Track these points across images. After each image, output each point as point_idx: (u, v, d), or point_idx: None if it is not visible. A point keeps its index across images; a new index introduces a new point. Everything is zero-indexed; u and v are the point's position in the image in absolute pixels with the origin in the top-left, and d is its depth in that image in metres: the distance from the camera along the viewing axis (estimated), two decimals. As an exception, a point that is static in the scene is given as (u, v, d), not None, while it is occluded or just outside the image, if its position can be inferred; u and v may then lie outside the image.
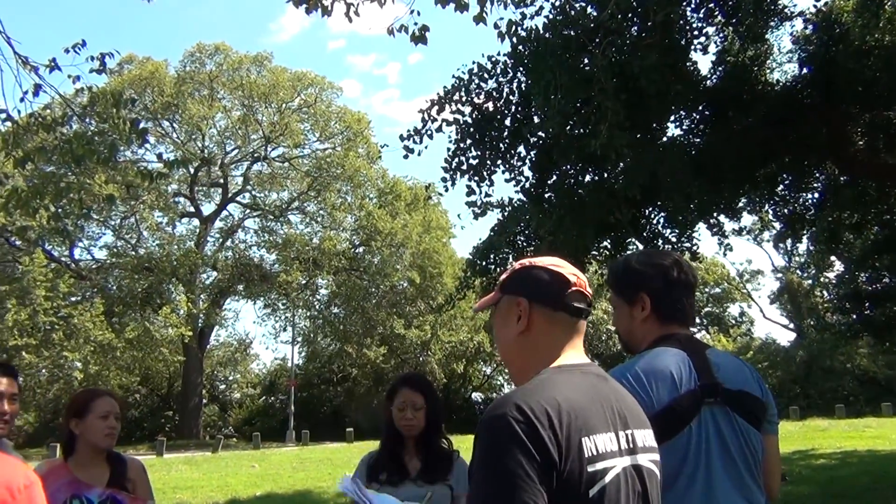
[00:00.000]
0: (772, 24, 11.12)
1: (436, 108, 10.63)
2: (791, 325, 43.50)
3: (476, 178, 10.89)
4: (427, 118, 10.67)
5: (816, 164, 12.46)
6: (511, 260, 11.32)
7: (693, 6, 10.12)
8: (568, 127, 9.41)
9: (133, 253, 34.21)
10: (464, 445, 3.07)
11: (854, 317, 19.44)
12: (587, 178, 10.82)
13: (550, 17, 9.86)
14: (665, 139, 11.26)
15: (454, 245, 43.01)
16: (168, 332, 31.97)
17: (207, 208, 38.38)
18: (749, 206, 13.74)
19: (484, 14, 7.19)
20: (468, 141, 10.71)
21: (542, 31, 9.57)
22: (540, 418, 1.27)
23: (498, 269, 11.41)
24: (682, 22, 9.98)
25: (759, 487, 1.96)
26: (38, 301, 26.92)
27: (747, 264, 50.36)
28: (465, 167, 10.78)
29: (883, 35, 10.09)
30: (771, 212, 14.33)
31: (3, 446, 2.86)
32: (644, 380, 1.91)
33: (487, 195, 11.15)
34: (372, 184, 39.11)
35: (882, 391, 31.80)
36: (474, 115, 10.69)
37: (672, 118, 11.28)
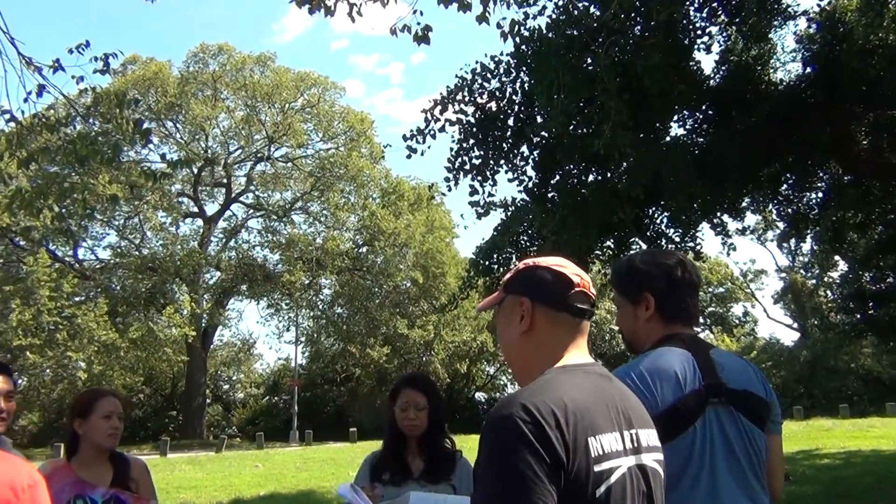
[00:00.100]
0: (775, 23, 11.11)
1: (439, 107, 10.63)
2: (795, 325, 43.43)
3: (479, 178, 10.89)
4: (430, 118, 10.68)
5: (820, 163, 12.44)
6: (514, 260, 11.32)
7: (696, 5, 10.11)
8: (571, 127, 9.40)
9: (137, 253, 34.26)
10: (467, 445, 3.06)
11: (858, 316, 19.43)
12: (590, 177, 10.82)
13: (553, 16, 9.86)
14: (668, 139, 11.26)
15: (457, 245, 42.99)
16: (172, 332, 31.99)
17: (211, 208, 38.47)
18: (752, 205, 13.73)
19: (487, 14, 7.18)
20: (471, 141, 10.71)
21: (545, 31, 9.57)
22: (547, 418, 1.27)
23: (501, 269, 11.41)
24: (685, 21, 9.97)
25: (762, 488, 1.96)
26: (42, 301, 26.97)
27: (751, 264, 50.42)
28: (468, 167, 10.78)
29: (887, 34, 10.07)
30: (774, 211, 14.32)
31: (3, 444, 2.87)
32: (648, 379, 1.91)
33: (490, 195, 11.16)
34: (375, 184, 39.12)
35: (886, 391, 31.71)
36: (477, 115, 10.70)
37: (675, 118, 11.28)
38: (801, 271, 40.91)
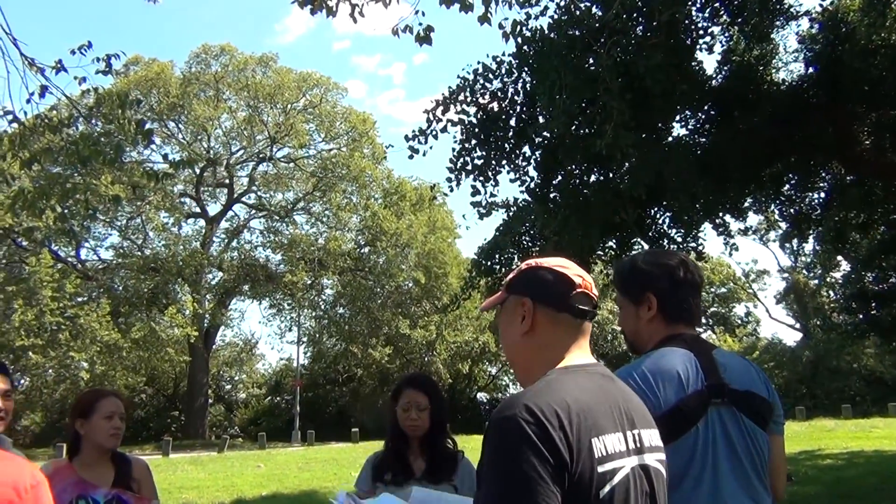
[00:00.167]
0: (777, 23, 11.10)
1: (441, 108, 10.64)
2: (797, 325, 43.39)
3: (481, 179, 10.90)
4: (432, 118, 10.69)
5: (822, 163, 12.43)
6: (516, 260, 11.34)
7: (698, 6, 10.11)
8: (573, 127, 9.41)
9: (139, 253, 34.27)
10: (469, 445, 3.06)
11: (860, 317, 19.40)
12: (592, 178, 10.82)
13: (555, 17, 9.87)
14: (670, 139, 11.26)
15: (459, 245, 42.95)
16: (174, 332, 32.02)
17: (213, 209, 38.48)
18: (755, 205, 13.72)
19: (489, 14, 7.18)
20: (473, 141, 10.72)
21: (546, 32, 9.58)
22: (550, 419, 1.27)
23: (503, 269, 11.42)
24: (687, 21, 9.96)
25: (765, 488, 1.96)
26: (45, 301, 26.99)
27: (753, 264, 50.34)
28: (470, 167, 10.79)
29: (889, 34, 10.06)
30: (777, 211, 14.32)
31: (3, 443, 2.87)
32: (651, 380, 1.91)
33: (492, 195, 11.18)
34: (377, 184, 39.12)
35: (889, 391, 31.64)
36: (479, 116, 10.70)
37: (677, 118, 11.28)
38: (804, 271, 40.92)
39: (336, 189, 37.36)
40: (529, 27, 9.74)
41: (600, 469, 1.30)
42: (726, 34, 11.12)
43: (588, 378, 1.44)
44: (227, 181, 38.15)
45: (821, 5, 11.08)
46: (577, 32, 9.38)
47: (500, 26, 9.05)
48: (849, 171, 12.36)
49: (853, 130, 11.28)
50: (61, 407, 29.63)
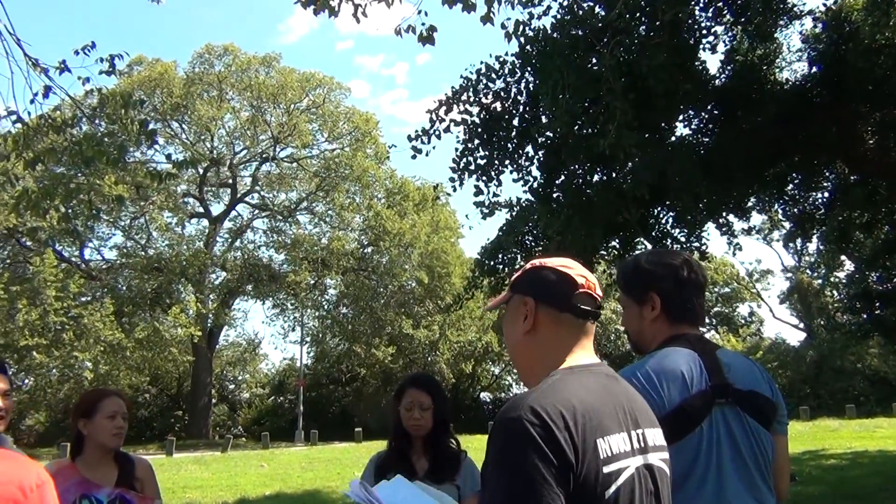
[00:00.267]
0: (781, 22, 11.08)
1: (444, 108, 10.65)
2: (801, 325, 43.28)
3: (484, 178, 10.90)
4: (435, 118, 10.69)
5: (826, 163, 12.41)
6: (519, 260, 11.33)
7: (702, 5, 10.10)
8: (576, 127, 9.40)
9: (143, 253, 34.33)
10: (472, 445, 3.07)
11: (864, 316, 19.36)
12: (595, 177, 10.81)
13: (558, 16, 9.87)
14: (674, 139, 11.24)
15: (462, 245, 43.00)
16: (177, 332, 32.06)
17: (216, 209, 38.54)
18: (758, 205, 13.70)
19: (491, 14, 7.18)
20: (476, 141, 10.72)
21: (549, 31, 9.58)
22: (556, 421, 1.27)
23: (506, 269, 11.42)
24: (690, 21, 9.95)
25: (769, 489, 1.96)
26: (49, 301, 27.06)
27: (757, 264, 50.24)
28: (473, 167, 10.79)
29: (893, 33, 10.03)
30: (780, 211, 14.29)
31: (3, 442, 2.88)
32: (655, 380, 1.91)
33: (495, 195, 11.17)
34: (380, 184, 39.15)
35: (893, 391, 31.57)
36: (482, 116, 10.70)
37: (680, 117, 11.26)
38: (808, 271, 40.84)
39: (339, 189, 37.39)
40: (532, 27, 9.75)
41: (605, 469, 1.30)
42: (730, 34, 11.10)
43: (593, 378, 1.44)
44: (230, 181, 38.21)
45: (824, 5, 11.07)
46: (580, 32, 9.38)
47: (503, 26, 9.06)
48: (853, 170, 12.33)
49: (857, 130, 11.26)
50: (65, 406, 29.69)
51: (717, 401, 1.93)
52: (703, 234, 11.41)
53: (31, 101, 5.86)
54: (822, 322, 38.27)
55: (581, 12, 9.70)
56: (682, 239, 11.28)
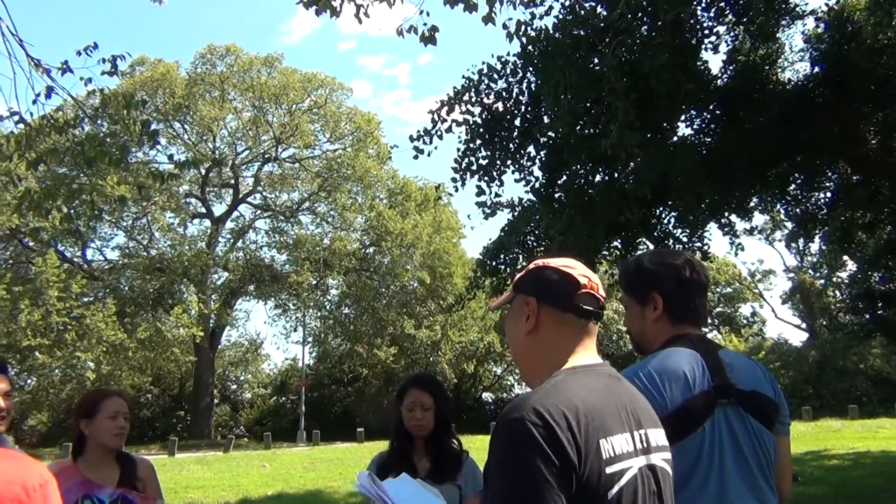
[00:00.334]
0: (783, 22, 11.08)
1: (446, 108, 10.64)
2: (803, 325, 43.23)
3: (486, 179, 10.89)
4: (437, 119, 10.69)
5: (829, 163, 12.40)
6: (521, 260, 11.32)
7: (704, 5, 10.09)
8: (578, 127, 9.39)
9: (145, 254, 34.37)
10: (474, 445, 3.06)
11: (867, 316, 19.37)
12: (597, 177, 10.80)
13: (560, 17, 9.86)
14: (676, 139, 11.23)
15: (464, 245, 42.94)
16: (180, 332, 32.09)
17: (218, 209, 38.57)
18: (760, 205, 13.69)
19: (493, 14, 7.18)
20: (478, 141, 10.72)
21: (551, 31, 9.57)
22: (558, 421, 1.27)
23: (508, 270, 11.41)
24: (692, 21, 9.95)
25: (771, 489, 1.95)
26: (51, 302, 27.10)
27: (759, 264, 50.12)
28: (474, 167, 10.78)
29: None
30: (783, 211, 14.28)
31: (4, 442, 2.88)
32: (657, 380, 1.90)
33: (497, 195, 11.16)
34: (382, 184, 39.17)
35: (895, 392, 31.55)
36: (484, 116, 10.70)
37: (683, 118, 11.25)
38: (810, 271, 40.75)
39: (341, 189, 37.42)
40: (534, 27, 9.74)
41: (608, 470, 1.30)
42: (732, 34, 11.09)
43: (595, 378, 1.44)
44: (232, 181, 38.24)
45: (827, 4, 11.06)
46: (581, 32, 9.37)
47: (505, 26, 9.05)
48: (855, 170, 12.32)
49: (859, 130, 11.25)
50: (68, 407, 29.71)
51: (719, 401, 1.93)
52: (705, 234, 11.41)
53: (34, 102, 5.86)
54: (824, 322, 38.21)
55: (583, 12, 9.69)
56: (685, 239, 11.27)
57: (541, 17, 9.89)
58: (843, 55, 10.50)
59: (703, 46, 10.51)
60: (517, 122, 10.66)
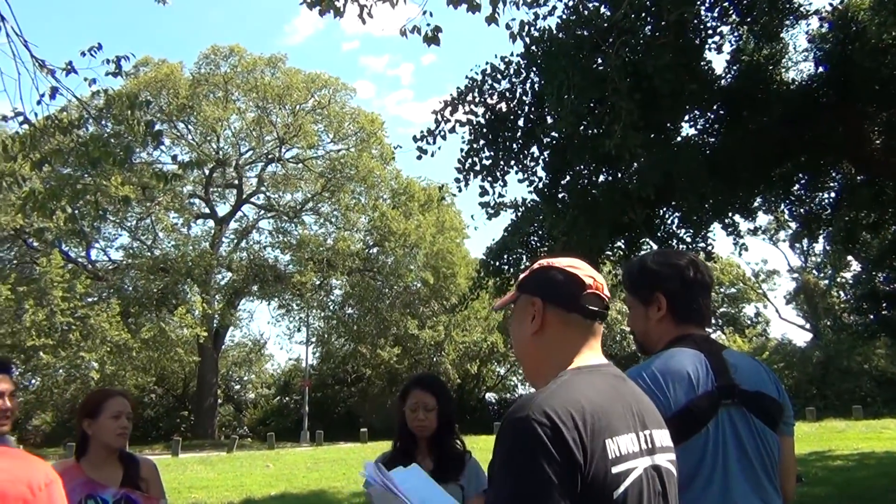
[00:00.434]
0: (787, 22, 11.05)
1: (449, 108, 10.64)
2: (807, 326, 43.14)
3: (489, 179, 10.89)
4: (440, 119, 10.69)
5: (833, 163, 12.37)
6: (525, 260, 11.32)
7: (707, 5, 10.07)
8: (581, 127, 9.39)
9: (149, 254, 34.43)
10: (477, 446, 3.06)
11: (871, 317, 19.33)
12: (601, 178, 10.79)
13: (563, 17, 9.86)
14: (679, 139, 11.21)
15: (468, 245, 43.02)
16: (183, 332, 32.12)
17: (222, 209, 38.63)
18: (764, 205, 13.66)
19: (496, 15, 7.19)
20: (481, 141, 10.71)
21: (555, 32, 9.57)
22: (565, 421, 1.27)
23: (511, 270, 11.40)
24: (696, 21, 9.93)
25: (775, 490, 1.95)
26: (56, 302, 27.16)
27: (763, 264, 50.24)
28: (478, 168, 10.78)
29: (900, 33, 10.00)
30: (787, 211, 14.25)
31: (7, 442, 2.88)
32: (661, 380, 1.90)
33: (501, 196, 11.16)
34: (385, 184, 39.18)
35: (900, 392, 31.48)
36: (487, 116, 10.70)
37: (686, 118, 11.24)
38: (814, 272, 40.70)
39: (344, 189, 37.44)
40: (537, 27, 9.74)
41: (614, 470, 1.29)
42: (735, 34, 11.08)
43: (601, 379, 1.44)
44: (236, 182, 38.29)
45: (830, 4, 11.02)
46: (585, 32, 9.37)
47: (508, 27, 9.06)
48: (859, 170, 12.29)
49: (864, 130, 11.22)
50: (72, 407, 29.78)
51: (723, 401, 1.93)
52: (708, 234, 11.39)
53: (38, 102, 5.87)
54: (828, 322, 38.14)
55: (586, 12, 9.69)
56: (688, 239, 11.26)
57: (544, 18, 9.90)
58: (847, 55, 10.47)
59: (707, 46, 10.50)
60: (520, 123, 10.66)
